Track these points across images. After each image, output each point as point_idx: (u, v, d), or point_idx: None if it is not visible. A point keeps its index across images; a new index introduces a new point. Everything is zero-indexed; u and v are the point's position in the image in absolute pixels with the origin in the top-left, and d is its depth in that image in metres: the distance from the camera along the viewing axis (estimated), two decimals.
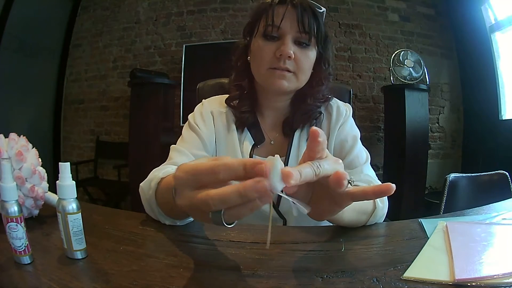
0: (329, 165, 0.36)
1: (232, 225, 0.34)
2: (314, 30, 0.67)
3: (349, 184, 0.36)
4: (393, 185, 0.35)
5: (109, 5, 3.32)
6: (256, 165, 0.30)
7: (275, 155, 0.31)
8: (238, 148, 0.74)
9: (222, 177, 0.31)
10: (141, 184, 0.60)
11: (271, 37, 0.67)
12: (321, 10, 0.69)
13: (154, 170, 0.65)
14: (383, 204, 0.59)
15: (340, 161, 0.38)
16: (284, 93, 0.73)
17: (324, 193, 0.39)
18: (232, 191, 0.29)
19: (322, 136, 0.35)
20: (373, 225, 0.58)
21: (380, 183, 0.63)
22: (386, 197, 0.61)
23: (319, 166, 0.35)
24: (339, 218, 0.51)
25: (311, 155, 0.36)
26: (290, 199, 0.34)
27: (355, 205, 0.53)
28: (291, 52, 0.65)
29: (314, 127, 0.35)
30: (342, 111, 0.77)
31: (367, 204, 0.57)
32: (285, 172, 0.30)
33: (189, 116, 0.79)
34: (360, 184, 0.62)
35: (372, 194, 0.36)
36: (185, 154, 0.70)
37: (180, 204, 0.35)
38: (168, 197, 0.49)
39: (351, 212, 0.52)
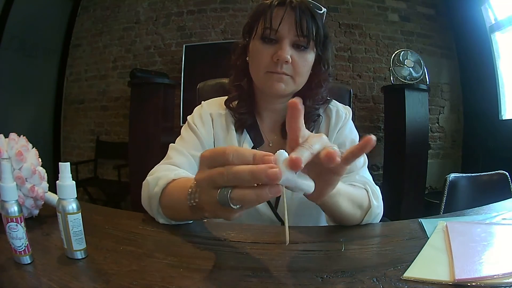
0: (317, 142, 0.37)
1: (236, 207, 0.35)
2: (313, 33, 0.66)
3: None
4: (373, 137, 0.36)
5: (109, 5, 3.32)
6: (264, 156, 0.33)
7: (281, 150, 0.34)
8: None
9: (231, 158, 0.34)
10: (148, 179, 0.60)
11: (269, 40, 0.67)
12: (321, 11, 0.68)
13: (159, 168, 0.64)
14: (378, 203, 0.59)
15: (323, 136, 0.39)
16: (282, 96, 0.73)
17: (318, 169, 0.40)
18: (245, 168, 0.33)
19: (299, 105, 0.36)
20: (373, 225, 0.58)
21: (377, 187, 0.64)
22: (380, 197, 0.61)
23: (311, 146, 0.36)
24: (335, 202, 0.51)
25: (293, 128, 0.37)
26: (297, 184, 0.35)
27: (350, 195, 0.54)
28: (288, 57, 0.64)
29: (293, 99, 0.36)
30: (342, 114, 0.77)
31: (362, 197, 0.58)
32: (293, 159, 0.33)
33: (188, 117, 0.79)
34: (356, 183, 0.62)
35: (359, 150, 0.37)
36: (184, 155, 0.70)
37: (197, 178, 0.38)
38: (178, 198, 0.50)
39: (346, 200, 0.52)
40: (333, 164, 0.36)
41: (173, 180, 0.56)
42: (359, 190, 0.60)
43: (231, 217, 0.37)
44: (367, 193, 0.60)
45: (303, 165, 0.33)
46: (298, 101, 0.36)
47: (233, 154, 0.34)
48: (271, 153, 0.34)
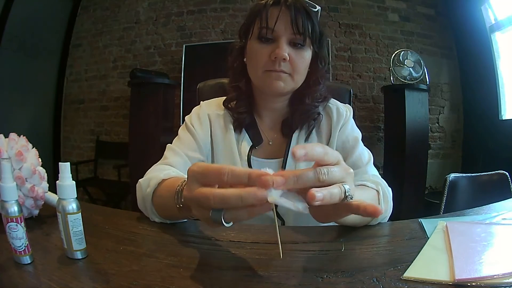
0: (339, 172, 0.36)
1: (229, 225, 0.35)
2: (309, 31, 0.66)
3: (347, 199, 0.36)
4: (381, 211, 0.36)
5: (109, 5, 3.32)
6: (260, 176, 0.32)
7: (268, 169, 0.34)
8: (236, 150, 0.74)
9: (226, 179, 0.33)
10: (140, 180, 0.61)
11: (265, 39, 0.67)
12: (316, 9, 0.68)
13: (153, 169, 0.65)
14: (386, 207, 0.59)
15: (351, 170, 0.38)
16: (281, 95, 0.73)
17: None
18: (233, 193, 0.32)
19: (305, 150, 0.34)
20: (373, 225, 0.58)
21: (389, 189, 0.63)
22: (391, 200, 0.61)
23: (326, 173, 0.35)
24: (344, 219, 0.51)
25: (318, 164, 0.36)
26: (288, 205, 0.34)
27: None
28: (286, 54, 0.65)
29: (294, 148, 0.33)
30: (342, 112, 0.77)
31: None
32: (276, 179, 0.32)
33: (186, 117, 0.79)
34: (369, 184, 0.61)
35: (361, 211, 0.36)
36: (179, 155, 0.71)
37: (185, 195, 0.38)
38: (167, 198, 0.50)
39: (355, 216, 0.51)
40: (311, 203, 0.33)
41: (163, 180, 0.57)
42: (371, 195, 0.58)
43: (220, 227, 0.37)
44: (378, 196, 0.59)
45: (284, 187, 0.32)
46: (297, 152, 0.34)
47: (227, 174, 0.33)
48: (267, 173, 0.33)
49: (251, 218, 0.35)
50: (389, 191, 0.62)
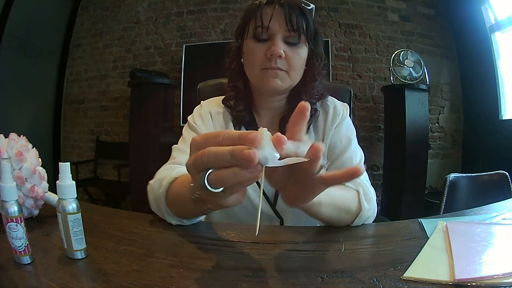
0: (306, 149, 0.37)
1: (217, 190, 0.35)
2: (303, 28, 0.67)
3: (322, 169, 0.37)
4: (360, 168, 0.36)
5: (109, 5, 3.32)
6: (248, 134, 0.33)
7: (263, 128, 0.34)
8: None
9: (221, 139, 0.34)
10: (150, 182, 0.61)
11: (261, 38, 0.68)
12: (309, 7, 0.69)
13: (162, 169, 0.65)
14: (369, 206, 0.58)
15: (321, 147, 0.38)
16: (279, 93, 0.73)
17: (298, 177, 0.39)
18: (225, 149, 0.33)
19: (308, 112, 0.37)
20: (373, 225, 0.58)
21: (370, 189, 0.63)
22: (374, 199, 0.61)
23: (299, 146, 0.36)
24: (317, 211, 0.51)
25: (292, 129, 0.37)
26: (285, 162, 0.34)
27: (335, 201, 0.53)
28: (281, 51, 0.66)
29: (304, 102, 0.37)
30: (339, 111, 0.77)
31: (349, 203, 0.57)
32: (278, 136, 0.33)
33: (189, 118, 0.80)
34: (348, 184, 0.61)
35: (342, 178, 0.37)
36: (187, 153, 0.70)
37: (187, 164, 0.38)
38: (182, 194, 0.49)
39: (329, 208, 0.52)
40: (315, 162, 0.36)
41: (175, 178, 0.57)
42: (349, 193, 0.59)
43: (224, 203, 0.37)
44: (358, 196, 0.59)
45: (285, 147, 0.33)
46: (307, 107, 0.37)
47: (223, 136, 0.34)
48: (255, 131, 0.33)
49: (239, 182, 0.34)
50: (370, 190, 0.63)
